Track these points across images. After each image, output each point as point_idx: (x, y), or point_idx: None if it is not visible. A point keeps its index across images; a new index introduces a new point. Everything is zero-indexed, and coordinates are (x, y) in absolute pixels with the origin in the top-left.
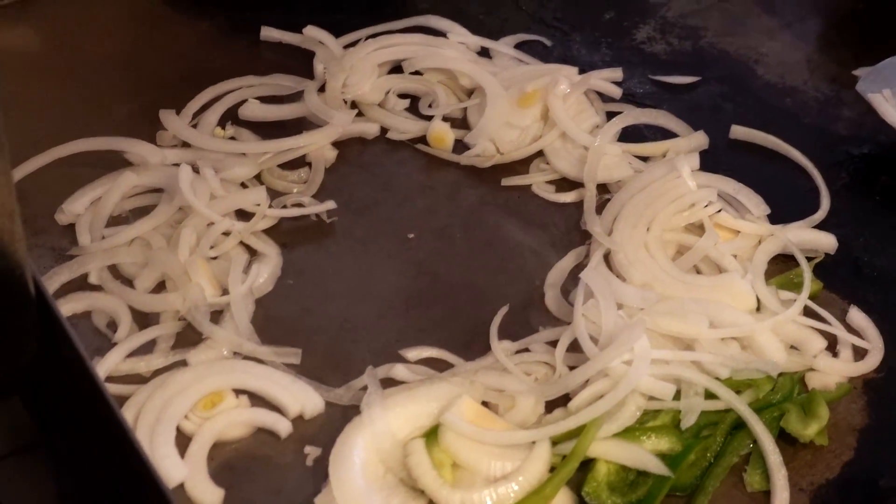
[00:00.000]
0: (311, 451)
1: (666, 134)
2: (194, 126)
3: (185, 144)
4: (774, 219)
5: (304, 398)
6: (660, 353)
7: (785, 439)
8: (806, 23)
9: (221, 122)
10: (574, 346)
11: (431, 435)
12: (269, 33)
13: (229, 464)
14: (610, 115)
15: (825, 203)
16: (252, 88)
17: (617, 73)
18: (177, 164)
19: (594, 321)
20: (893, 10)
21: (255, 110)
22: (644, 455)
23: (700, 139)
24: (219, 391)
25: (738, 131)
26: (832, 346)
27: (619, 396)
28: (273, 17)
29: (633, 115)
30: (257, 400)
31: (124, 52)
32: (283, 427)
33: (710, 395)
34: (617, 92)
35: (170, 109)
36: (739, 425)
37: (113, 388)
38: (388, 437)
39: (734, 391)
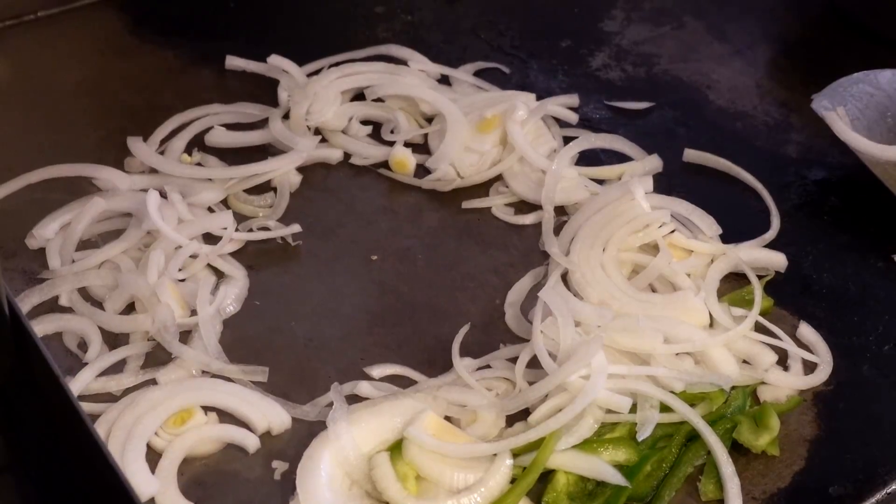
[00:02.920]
0: (279, 466)
1: (621, 158)
2: (161, 153)
3: (153, 170)
4: (726, 238)
5: (271, 414)
6: (616, 367)
7: (738, 450)
8: (756, 50)
9: (188, 149)
10: (533, 363)
11: (396, 448)
12: (233, 62)
13: (199, 478)
14: (567, 140)
15: (775, 223)
16: (218, 116)
17: (573, 100)
18: (145, 190)
19: (553, 338)
20: (840, 36)
21: (221, 137)
22: (602, 466)
23: (654, 162)
24: (188, 408)
25: (691, 154)
26: (783, 360)
27: (577, 409)
28: (237, 46)
29: (590, 140)
30: (226, 416)
31: (92, 81)
32: (251, 443)
33: (665, 408)
34: (573, 117)
35: (137, 137)
36: (694, 437)
37: (84, 407)
38: (353, 451)
39: (689, 404)
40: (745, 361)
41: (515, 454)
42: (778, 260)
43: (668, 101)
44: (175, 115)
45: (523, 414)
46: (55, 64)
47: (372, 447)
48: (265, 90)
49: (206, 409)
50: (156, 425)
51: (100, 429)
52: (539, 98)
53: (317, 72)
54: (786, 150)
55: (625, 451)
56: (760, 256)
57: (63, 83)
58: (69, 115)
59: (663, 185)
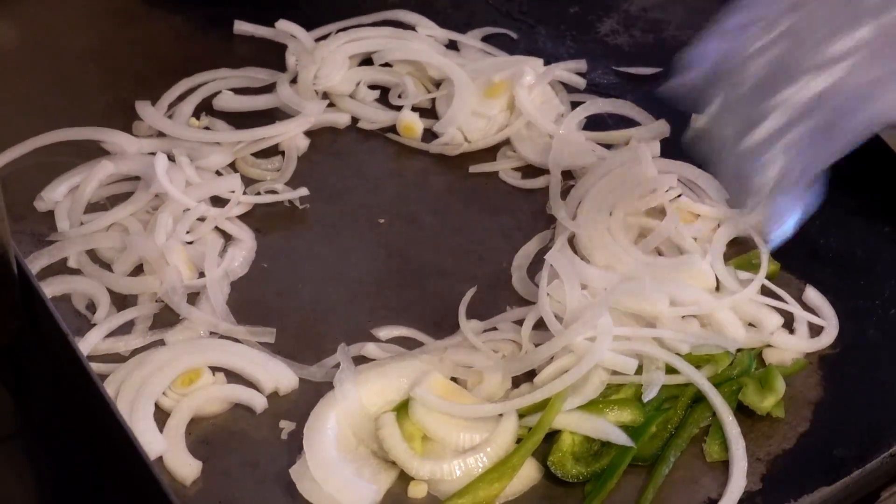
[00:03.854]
0: (286, 426)
1: (629, 123)
2: (170, 116)
3: (161, 134)
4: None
5: (278, 375)
6: (622, 329)
7: (743, 412)
8: None
9: (196, 113)
10: (540, 325)
11: (402, 409)
12: (242, 27)
13: (206, 438)
14: (574, 105)
15: None
16: (226, 80)
17: (581, 65)
18: (153, 153)
19: (559, 301)
20: None
21: (229, 101)
22: (607, 426)
23: (661, 127)
24: (196, 369)
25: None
26: (789, 323)
27: (583, 371)
28: (246, 11)
29: (597, 105)
30: (233, 377)
31: (100, 46)
32: (259, 403)
33: (671, 370)
34: (581, 83)
35: (145, 101)
36: (699, 398)
37: (93, 367)
38: (360, 412)
39: (694, 366)
40: (750, 324)
41: (521, 415)
42: None
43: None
44: (183, 79)
45: (529, 375)
46: (63, 29)
47: (378, 407)
48: (273, 55)
49: (214, 369)
50: (164, 385)
51: (108, 388)
52: (547, 63)
53: (325, 37)
54: None
55: (630, 412)
56: None
57: (71, 48)
58: (77, 79)
59: (671, 150)
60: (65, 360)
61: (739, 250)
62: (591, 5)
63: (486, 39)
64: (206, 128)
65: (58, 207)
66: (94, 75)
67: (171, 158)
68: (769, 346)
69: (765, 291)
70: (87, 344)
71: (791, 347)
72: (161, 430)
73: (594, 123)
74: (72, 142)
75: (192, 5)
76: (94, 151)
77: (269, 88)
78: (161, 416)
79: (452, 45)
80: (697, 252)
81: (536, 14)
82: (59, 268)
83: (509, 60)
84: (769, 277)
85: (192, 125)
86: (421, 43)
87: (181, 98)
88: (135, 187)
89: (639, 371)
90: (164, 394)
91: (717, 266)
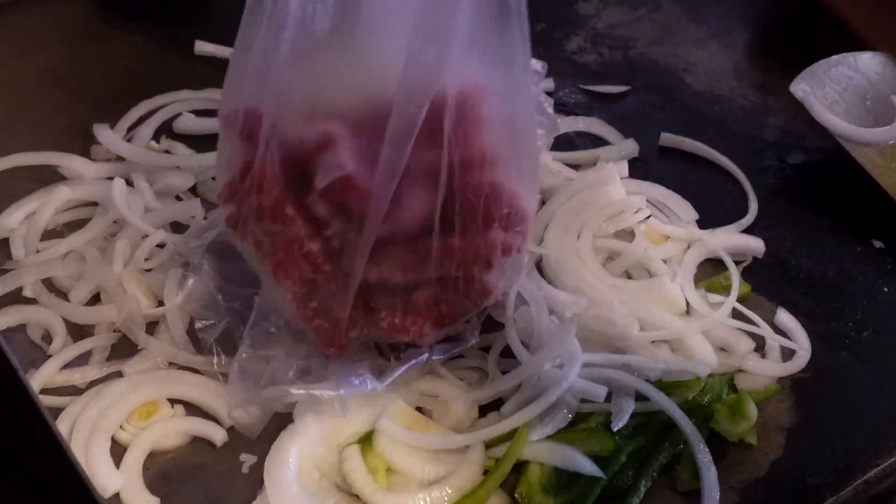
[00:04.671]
0: (247, 459)
1: (596, 142)
2: (129, 140)
3: (120, 158)
4: (703, 224)
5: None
6: (591, 356)
7: (715, 439)
8: (733, 33)
9: (156, 136)
10: (507, 352)
11: (366, 440)
12: (203, 48)
13: (165, 473)
14: None
15: (753, 207)
16: (187, 102)
17: (548, 84)
18: (111, 178)
19: (526, 326)
20: (818, 19)
21: (189, 124)
22: (577, 456)
23: (630, 147)
24: (153, 401)
25: (668, 139)
26: (760, 347)
27: (551, 400)
28: (207, 31)
29: (565, 124)
30: (193, 409)
31: (57, 67)
32: (219, 435)
33: (640, 397)
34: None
35: (104, 124)
36: (670, 426)
37: (48, 400)
38: (322, 444)
39: (665, 392)
40: (722, 349)
41: (488, 445)
42: (756, 245)
43: (645, 84)
44: (143, 101)
45: (496, 404)
46: (19, 50)
47: (342, 439)
48: None
49: (173, 401)
50: (120, 419)
51: (63, 423)
52: None
53: None
54: (763, 134)
55: (600, 442)
56: (738, 242)
57: (27, 69)
58: (34, 102)
59: (639, 170)
60: (16, 395)
61: (710, 272)
62: (559, 23)
63: None
64: (167, 151)
65: (13, 234)
66: (51, 97)
67: (129, 183)
68: (741, 370)
69: (736, 314)
70: (43, 376)
71: (763, 372)
72: (118, 466)
73: (561, 143)
74: (28, 166)
75: (151, 25)
76: (51, 176)
77: None
78: (118, 450)
79: None
80: (667, 274)
81: None
82: (15, 297)
83: None
84: (740, 300)
85: (152, 149)
86: None
87: (141, 121)
88: (92, 213)
89: (608, 398)
90: (121, 427)
91: (687, 289)
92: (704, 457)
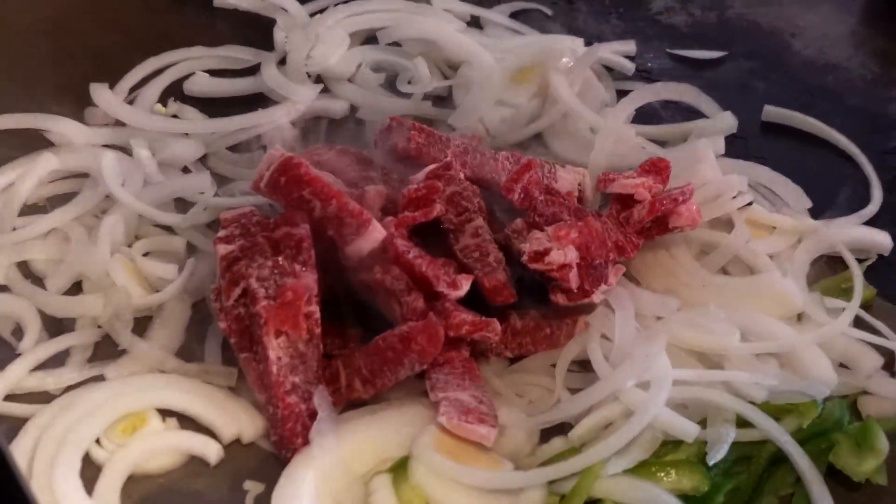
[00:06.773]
0: (253, 488)
1: (687, 115)
2: (130, 102)
3: (119, 123)
4: (817, 213)
5: (241, 419)
6: (682, 373)
7: (835, 478)
8: None
9: (163, 98)
10: (576, 365)
11: (400, 469)
12: None
13: (151, 502)
14: (620, 95)
15: (877, 195)
16: (201, 60)
17: (629, 46)
18: (108, 146)
19: (603, 333)
20: None
21: (203, 85)
22: (662, 496)
23: (727, 121)
24: (140, 412)
25: (772, 113)
26: (890, 363)
27: (634, 432)
28: None
29: (653, 91)
30: (188, 422)
31: (54, 18)
32: (213, 451)
33: (742, 423)
34: (629, 67)
35: (103, 83)
36: (779, 459)
37: (13, 409)
38: (343, 472)
39: (773, 418)
40: (842, 365)
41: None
42: (881, 240)
43: (744, 50)
44: (149, 58)
45: (562, 424)
46: None
47: (368, 467)
48: (259, 31)
49: (164, 413)
50: (95, 433)
51: (27, 437)
52: (588, 44)
53: (322, 10)
54: (888, 110)
55: (691, 478)
56: (859, 235)
57: (19, 21)
58: (24, 57)
59: (738, 148)
60: None
61: (825, 272)
62: None
63: (514, 16)
64: (174, 115)
65: None
66: (43, 52)
67: (127, 151)
68: (866, 392)
69: (859, 323)
70: (10, 379)
71: (893, 395)
72: (90, 493)
73: (645, 115)
74: (11, 130)
75: None
76: (37, 141)
77: (252, 70)
78: (93, 472)
79: (475, 22)
80: (774, 271)
81: None
82: None
83: (542, 40)
84: (864, 305)
85: (158, 112)
86: (436, 18)
87: (146, 80)
88: (82, 186)
89: (702, 424)
90: (97, 443)
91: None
92: (824, 499)
